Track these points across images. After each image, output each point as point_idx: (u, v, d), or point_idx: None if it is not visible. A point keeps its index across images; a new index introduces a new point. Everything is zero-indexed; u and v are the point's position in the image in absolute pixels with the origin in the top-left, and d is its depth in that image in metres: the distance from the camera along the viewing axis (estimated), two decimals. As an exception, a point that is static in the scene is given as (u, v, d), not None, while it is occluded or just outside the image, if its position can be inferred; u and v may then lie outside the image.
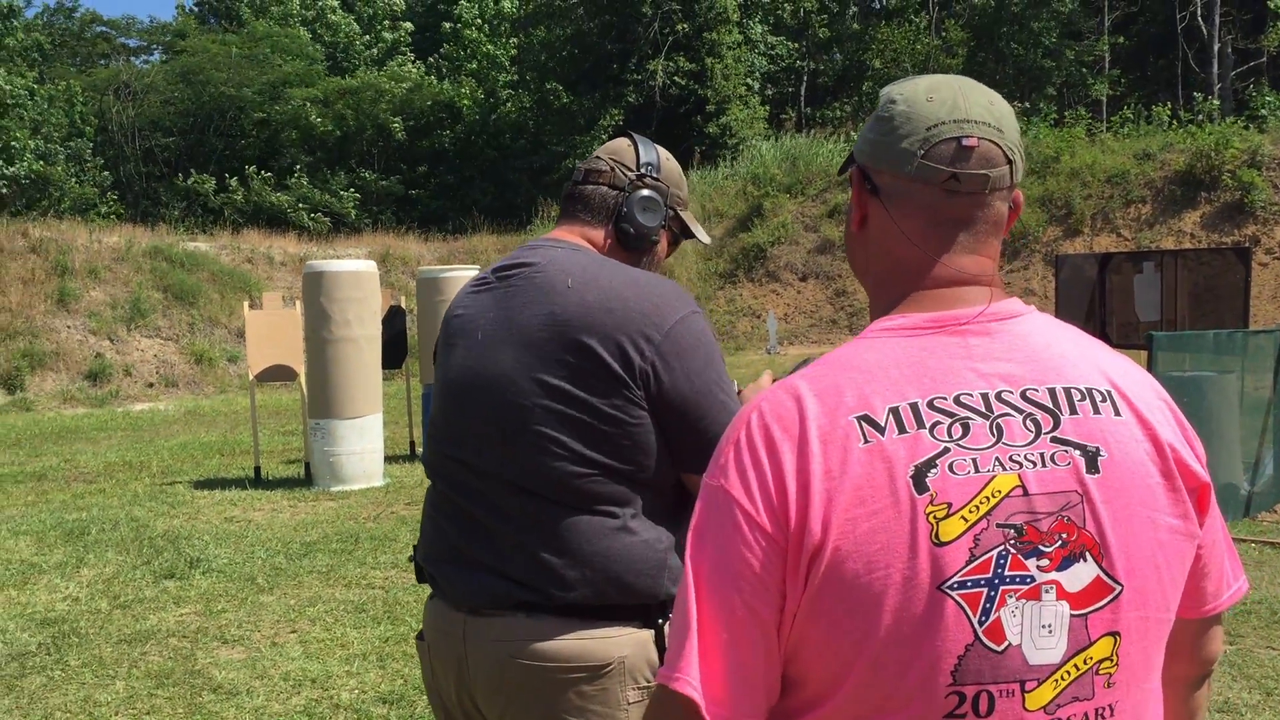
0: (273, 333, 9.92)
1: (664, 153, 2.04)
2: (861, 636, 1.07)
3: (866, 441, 1.09)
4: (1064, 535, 1.09)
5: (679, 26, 30.39)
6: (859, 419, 1.10)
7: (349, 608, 5.81)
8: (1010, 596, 1.07)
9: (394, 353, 10.69)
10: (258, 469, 9.85)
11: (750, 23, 32.50)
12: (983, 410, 1.12)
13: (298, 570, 6.61)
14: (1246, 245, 16.90)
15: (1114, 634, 1.10)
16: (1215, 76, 30.68)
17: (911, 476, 1.08)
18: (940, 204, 1.20)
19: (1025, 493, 1.09)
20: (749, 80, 31.77)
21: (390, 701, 4.51)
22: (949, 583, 1.06)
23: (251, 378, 9.96)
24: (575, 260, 1.87)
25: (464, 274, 10.87)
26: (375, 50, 40.06)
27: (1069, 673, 1.09)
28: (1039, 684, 1.08)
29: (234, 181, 31.35)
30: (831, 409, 1.11)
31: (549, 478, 1.79)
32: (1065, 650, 1.08)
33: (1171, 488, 1.14)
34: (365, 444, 9.41)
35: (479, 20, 37.79)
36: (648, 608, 1.82)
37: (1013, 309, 1.20)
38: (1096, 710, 1.10)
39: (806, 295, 23.45)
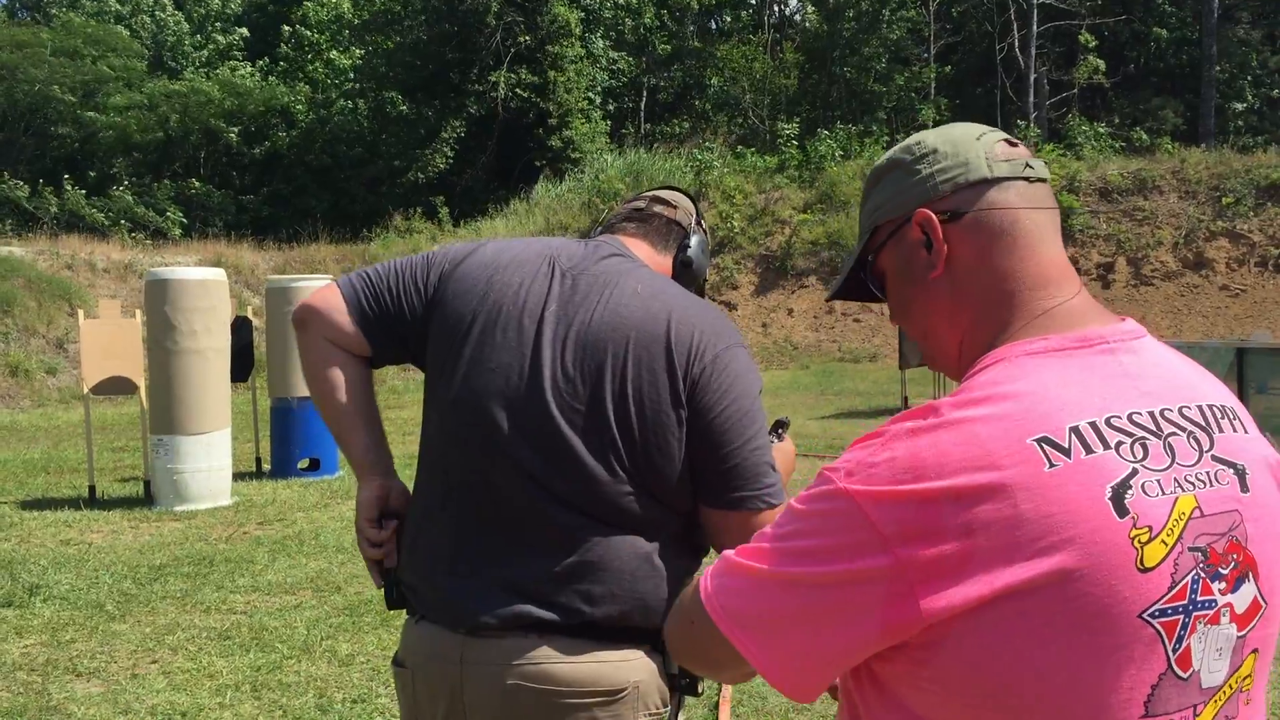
0: (110, 343, 9.36)
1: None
2: (1051, 670, 1.01)
3: (1052, 465, 1.02)
4: (1235, 556, 1.07)
5: (521, 38, 30.24)
6: (1039, 441, 1.03)
7: (212, 635, 5.50)
8: (1200, 623, 1.04)
9: (241, 365, 10.24)
10: (92, 488, 9.28)
11: (592, 37, 32.55)
12: (1154, 429, 1.08)
13: (149, 596, 6.22)
14: (1073, 267, 17.81)
15: (1255, 651, 1.10)
16: (1032, 105, 32.29)
17: (1110, 499, 1.02)
18: (1026, 191, 1.19)
19: (1202, 514, 1.06)
20: (590, 94, 31.82)
21: (272, 734, 4.27)
22: (1150, 611, 1.02)
23: (86, 390, 9.38)
24: (643, 272, 1.86)
25: (316, 284, 10.50)
26: (205, 52, 38.53)
27: (1225, 693, 1.08)
28: (1204, 705, 1.06)
29: (48, 191, 29.54)
30: (1004, 432, 1.03)
31: (594, 492, 1.72)
32: (1226, 673, 1.07)
33: None
34: (212, 461, 8.97)
35: (323, 22, 36.77)
36: (660, 632, 1.73)
37: (1138, 328, 1.19)
38: None
39: (650, 309, 23.63)
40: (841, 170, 25.08)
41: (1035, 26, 32.16)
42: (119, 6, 38.61)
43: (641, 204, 2.06)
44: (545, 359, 1.75)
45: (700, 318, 1.80)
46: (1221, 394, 1.18)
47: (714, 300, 23.08)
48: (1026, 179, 1.19)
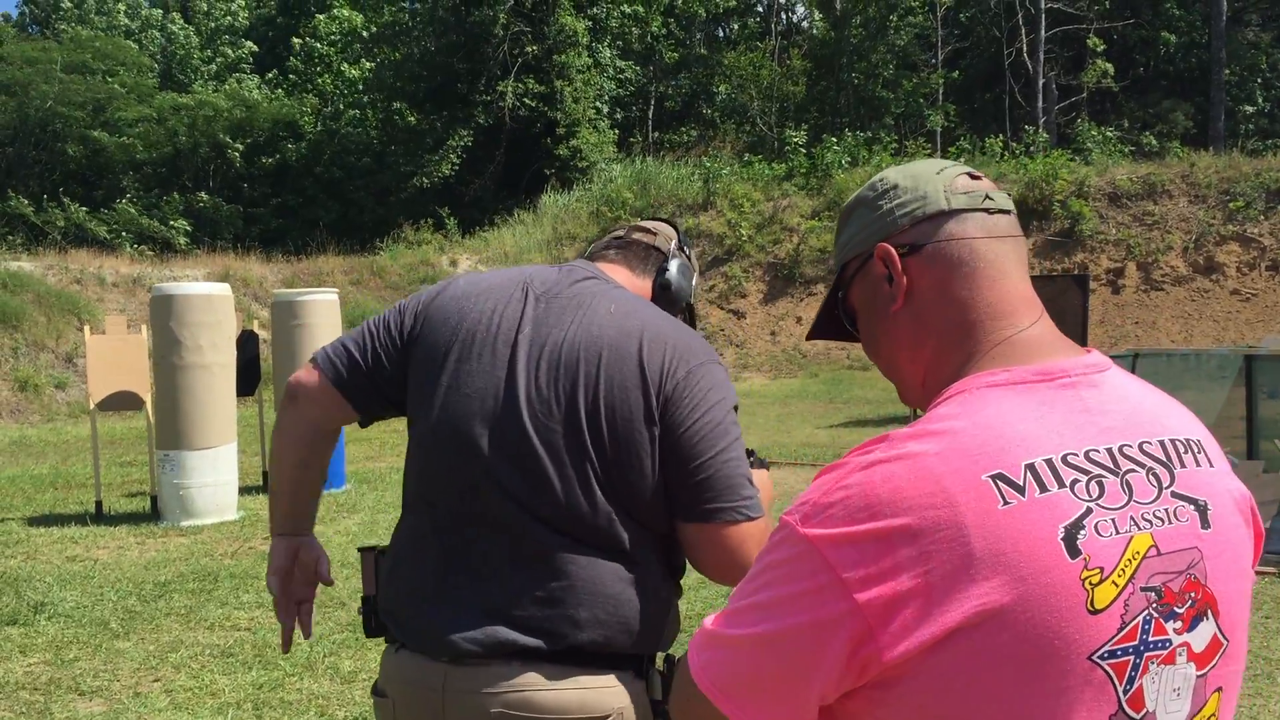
0: (116, 358, 9.38)
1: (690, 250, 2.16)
2: (1002, 713, 1.00)
3: (1006, 503, 1.01)
4: (1193, 594, 1.05)
5: (528, 49, 30.30)
6: (994, 478, 1.02)
7: (215, 652, 5.49)
8: (1153, 663, 1.03)
9: (247, 379, 10.25)
10: (99, 504, 9.29)
11: (599, 46, 32.60)
12: (1111, 467, 1.06)
13: (154, 613, 6.21)
14: (1084, 273, 17.74)
15: (1219, 689, 1.09)
16: (1040, 111, 32.24)
17: (1063, 539, 1.01)
18: (985, 223, 1.19)
19: (1159, 552, 1.04)
20: (598, 104, 31.87)
21: (272, 754, 4.25)
22: (1099, 652, 1.01)
23: (93, 406, 9.40)
24: (617, 293, 1.87)
25: (322, 298, 10.52)
26: (214, 66, 38.67)
27: None
28: None
29: (53, 206, 29.63)
30: (959, 469, 1.02)
31: (574, 512, 1.71)
32: (1188, 712, 1.06)
33: (1253, 537, 1.15)
34: (218, 476, 8.97)
35: (334, 35, 36.90)
36: (642, 658, 1.75)
37: (1103, 360, 1.18)
38: None
39: (659, 318, 23.64)
40: (849, 177, 25.05)
41: (1043, 31, 32.10)
42: (128, 21, 38.78)
43: (621, 232, 2.09)
44: (520, 381, 1.76)
45: (673, 335, 1.81)
46: (1188, 426, 1.16)
47: (722, 309, 23.08)
48: (986, 210, 1.20)
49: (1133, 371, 8.30)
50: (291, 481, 1.96)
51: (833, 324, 1.34)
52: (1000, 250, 1.19)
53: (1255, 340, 16.26)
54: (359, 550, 1.93)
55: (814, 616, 1.02)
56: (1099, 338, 19.62)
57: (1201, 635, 1.06)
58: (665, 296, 2.00)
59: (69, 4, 38.67)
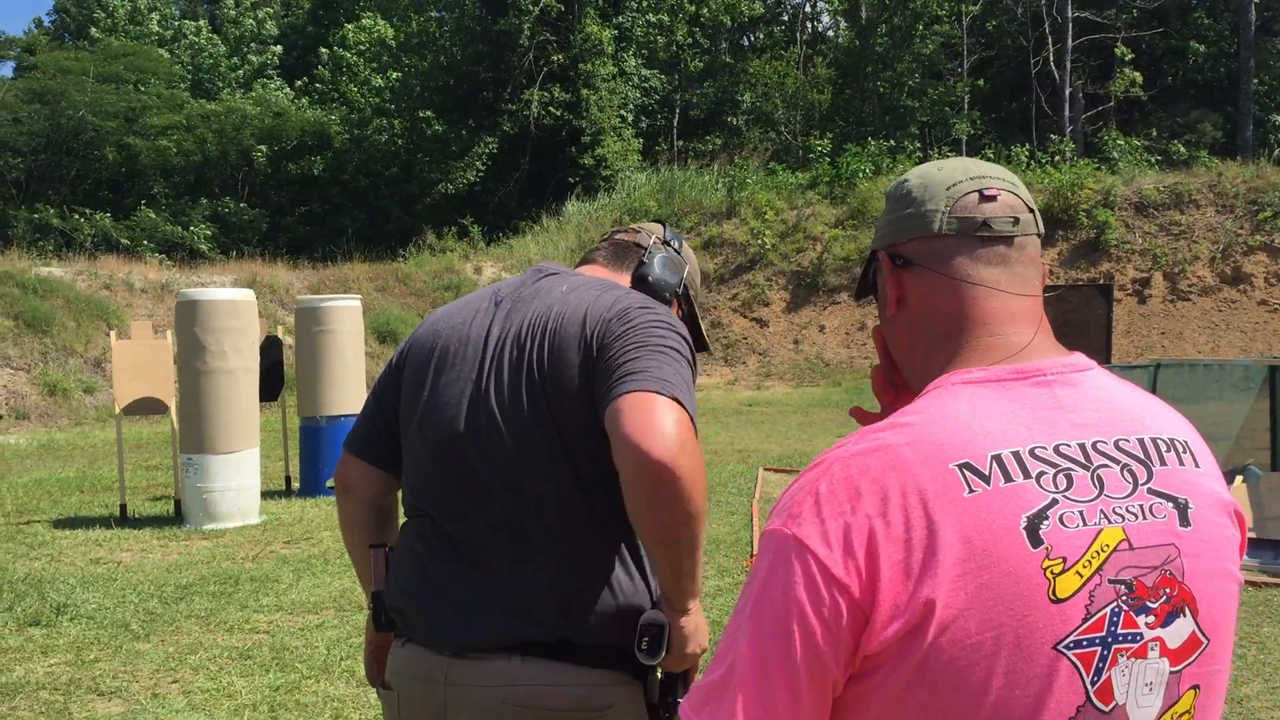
0: (142, 363, 9.48)
1: (687, 246, 2.17)
2: (971, 701, 1.01)
3: (972, 491, 1.04)
4: (1167, 590, 1.07)
5: (554, 57, 30.41)
6: (960, 467, 1.05)
7: (233, 655, 5.54)
8: (1122, 655, 1.04)
9: (270, 384, 10.33)
10: (123, 507, 9.38)
11: (625, 55, 32.69)
12: (1082, 461, 1.09)
13: (174, 615, 6.28)
14: (1109, 282, 17.65)
15: (1195, 687, 1.09)
16: (1067, 120, 32.08)
17: (1025, 528, 1.03)
18: (978, 251, 1.21)
19: (1130, 546, 1.06)
20: (623, 112, 31.94)
21: (287, 755, 4.29)
22: (1064, 642, 1.02)
23: (118, 410, 9.50)
24: (577, 278, 1.92)
25: (345, 304, 10.60)
26: (241, 72, 39.00)
27: None
28: None
29: (77, 217, 29.90)
30: (928, 458, 1.05)
31: (557, 494, 1.75)
32: (1160, 707, 1.07)
33: (1238, 538, 1.16)
34: (241, 480, 9.05)
35: (362, 45, 37.16)
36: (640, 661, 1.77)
37: (1085, 361, 1.20)
38: None
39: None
40: (873, 186, 24.99)
41: (1070, 40, 31.95)
42: (160, 30, 39.14)
43: (607, 233, 2.15)
44: (488, 376, 1.82)
45: (625, 296, 1.85)
46: (1173, 427, 1.17)
47: (744, 317, 23.05)
48: (980, 239, 1.21)
49: (1155, 383, 8.26)
50: (362, 574, 2.03)
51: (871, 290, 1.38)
52: (990, 275, 1.20)
53: (1282, 351, 16.12)
54: (370, 547, 1.97)
55: (809, 608, 1.03)
56: (1125, 348, 19.49)
57: (1177, 631, 1.07)
58: (645, 288, 2.02)
59: (102, 14, 39.11)
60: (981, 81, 34.50)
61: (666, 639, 1.74)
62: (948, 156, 27.98)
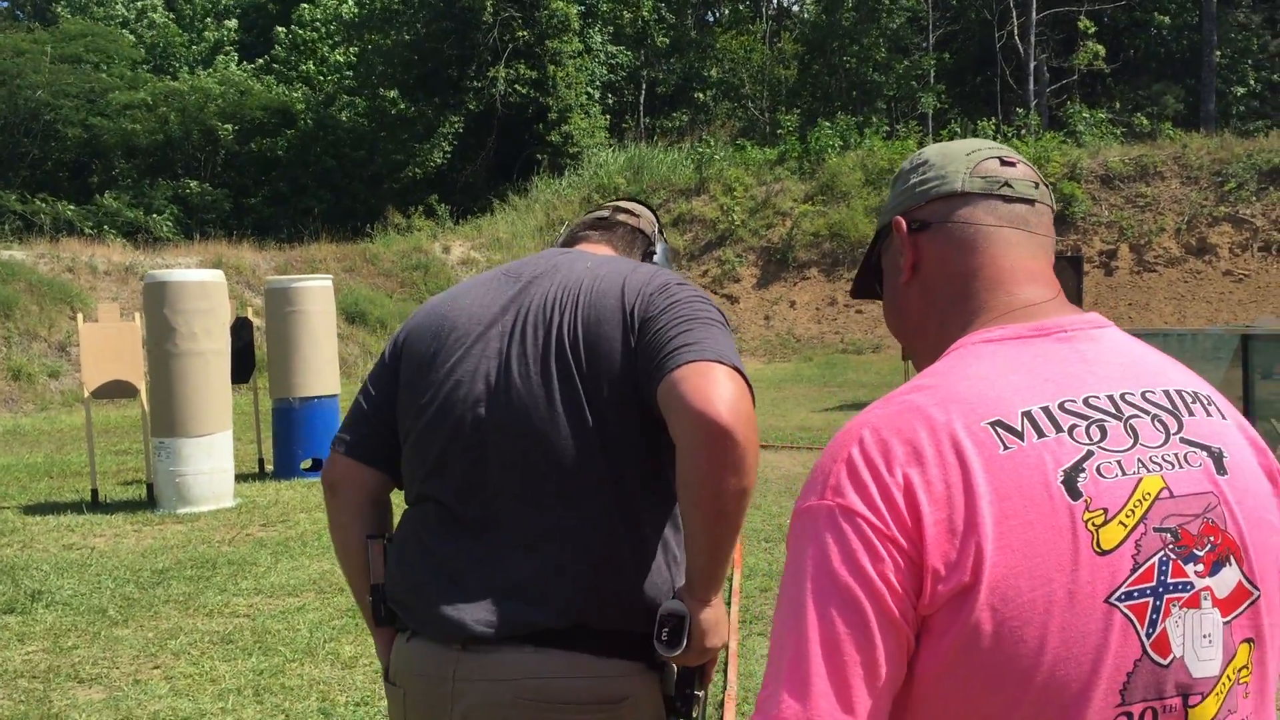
0: (110, 346, 9.34)
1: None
2: (1029, 663, 0.99)
3: (1006, 448, 1.02)
4: (1212, 538, 1.04)
5: (519, 34, 30.17)
6: (993, 425, 1.04)
7: (214, 639, 5.48)
8: (1175, 605, 1.02)
9: (241, 366, 10.21)
10: (94, 491, 9.26)
11: (591, 31, 32.47)
12: (1113, 412, 1.07)
13: (152, 600, 6.20)
14: (1078, 254, 17.75)
15: (1249, 640, 1.06)
16: (1032, 93, 32.19)
17: (1062, 482, 1.01)
18: (999, 209, 1.21)
19: (1171, 495, 1.04)
20: (590, 89, 31.75)
21: (274, 739, 4.25)
22: (1116, 594, 1.00)
23: (87, 394, 9.36)
24: (596, 256, 1.88)
25: (316, 284, 10.48)
26: (197, 49, 38.38)
27: (1224, 684, 1.04)
28: (1203, 698, 1.03)
29: (38, 200, 29.38)
30: (960, 415, 1.04)
31: (582, 474, 1.70)
32: (1222, 660, 1.04)
33: (1276, 493, 1.13)
34: (214, 463, 8.95)
35: (318, 22, 36.67)
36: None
37: (1102, 320, 1.20)
38: None
39: (652, 303, 23.63)
40: (842, 161, 25.02)
41: (1034, 14, 32.04)
42: (125, 12, 38.47)
43: (605, 213, 2.08)
44: (506, 352, 1.77)
45: (660, 270, 1.83)
46: (1193, 381, 1.17)
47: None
48: (1002, 197, 1.21)
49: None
50: (364, 575, 1.91)
51: (872, 283, 1.37)
52: (1010, 238, 1.20)
53: (1248, 321, 16.30)
54: (366, 538, 1.89)
55: (871, 571, 1.00)
56: (1092, 320, 19.66)
57: (1224, 581, 1.04)
58: None
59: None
60: (947, 55, 34.56)
61: (687, 630, 1.67)
62: (915, 130, 28.04)
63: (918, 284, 1.24)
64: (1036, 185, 1.24)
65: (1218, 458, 1.08)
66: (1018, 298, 1.17)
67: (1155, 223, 21.95)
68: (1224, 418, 1.13)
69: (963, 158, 1.24)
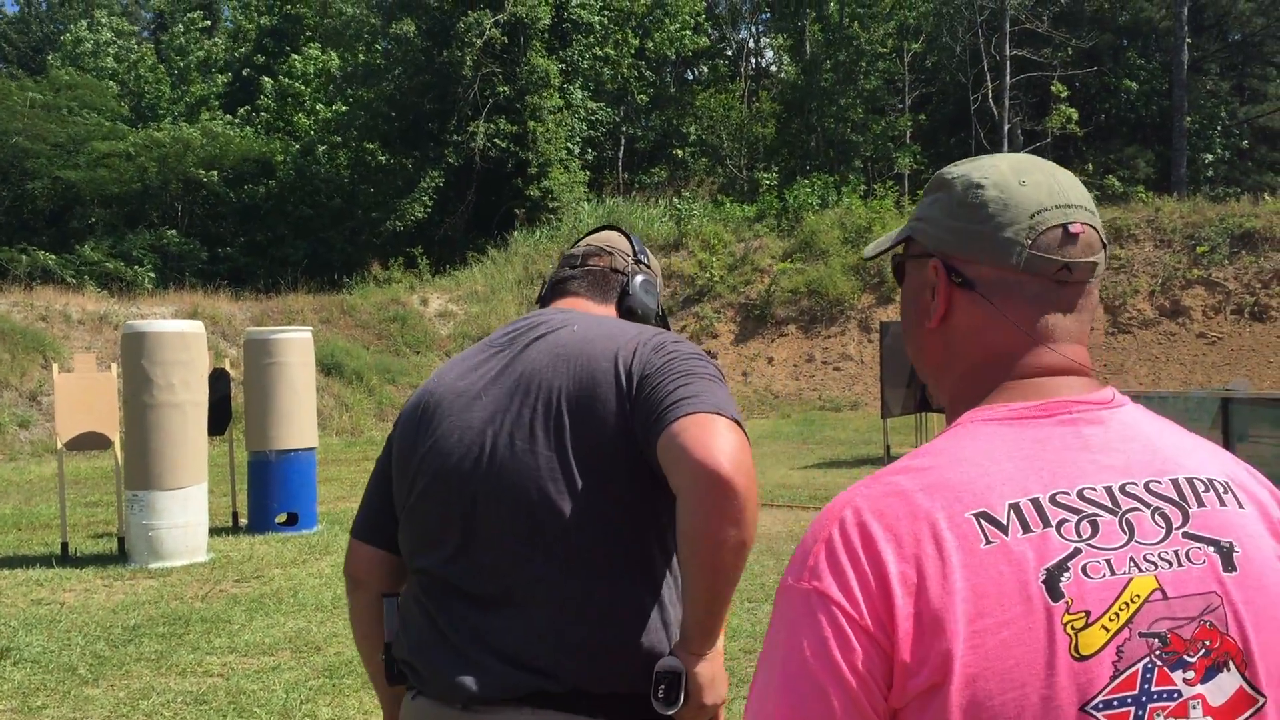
0: (85, 397, 9.22)
1: (647, 250, 2.12)
2: None
3: (989, 542, 0.98)
4: (1207, 643, 0.99)
5: (500, 89, 30.39)
6: (977, 516, 0.99)
7: (188, 699, 5.35)
8: (1158, 715, 0.97)
9: (218, 418, 10.10)
10: (65, 545, 9.10)
11: (571, 87, 32.75)
12: (1109, 505, 1.02)
13: (123, 658, 6.06)
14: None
15: None
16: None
17: (1044, 581, 0.97)
18: (1049, 295, 1.13)
19: (1164, 596, 0.99)
20: (569, 144, 31.96)
21: (250, 805, 4.13)
22: (1093, 703, 0.95)
23: (60, 445, 9.23)
24: (580, 317, 1.88)
25: (296, 335, 10.41)
26: (182, 105, 38.47)
27: None
28: None
29: (15, 250, 29.17)
30: (944, 505, 1.00)
31: (574, 529, 1.69)
32: None
33: None
34: (188, 516, 8.81)
35: (308, 75, 36.85)
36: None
37: (1117, 397, 1.13)
38: None
39: (630, 358, 23.65)
40: (820, 219, 25.22)
41: (1009, 78, 32.58)
42: (115, 65, 38.57)
43: (576, 255, 2.07)
44: (492, 419, 1.78)
45: (640, 329, 1.84)
46: (1214, 466, 1.10)
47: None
48: (1058, 281, 1.12)
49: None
50: (372, 672, 1.96)
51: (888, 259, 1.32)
52: (1056, 324, 1.13)
53: (1223, 383, 16.43)
54: (383, 597, 1.91)
55: (841, 661, 0.98)
56: (1068, 380, 19.78)
57: (1220, 687, 0.99)
58: (633, 319, 2.00)
59: (69, 39, 38.55)
60: (923, 117, 35.05)
61: (684, 687, 1.65)
62: (892, 189, 28.26)
63: (943, 335, 1.17)
64: (1096, 254, 1.13)
65: (1226, 553, 1.03)
66: (1037, 367, 1.12)
67: (1130, 284, 22.18)
68: (1240, 507, 1.07)
69: (1025, 219, 1.11)
